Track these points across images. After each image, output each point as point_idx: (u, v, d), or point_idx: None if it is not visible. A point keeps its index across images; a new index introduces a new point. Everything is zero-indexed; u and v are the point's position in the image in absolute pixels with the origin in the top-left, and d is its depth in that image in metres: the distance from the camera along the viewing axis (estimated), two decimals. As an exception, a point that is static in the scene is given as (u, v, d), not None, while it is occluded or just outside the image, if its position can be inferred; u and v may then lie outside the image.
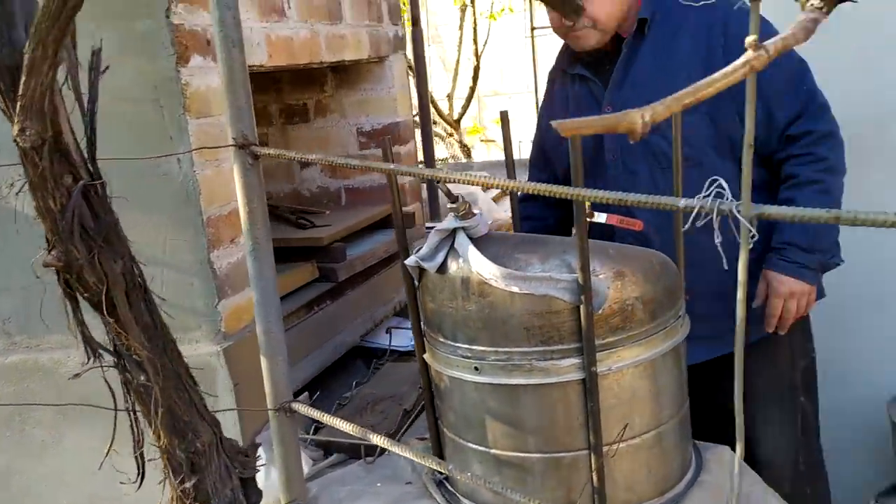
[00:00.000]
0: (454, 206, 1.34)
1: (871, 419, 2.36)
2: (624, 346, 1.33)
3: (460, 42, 7.47)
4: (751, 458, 1.99)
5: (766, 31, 1.70)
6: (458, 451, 1.47)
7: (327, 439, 1.72)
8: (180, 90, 1.52)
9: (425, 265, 1.38)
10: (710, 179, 1.01)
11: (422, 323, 1.50)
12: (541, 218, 2.06)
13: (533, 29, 6.48)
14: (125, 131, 1.54)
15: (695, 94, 0.65)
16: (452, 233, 1.37)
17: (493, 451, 1.40)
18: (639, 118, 0.63)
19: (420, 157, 3.39)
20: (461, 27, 7.33)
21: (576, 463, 1.35)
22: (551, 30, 1.89)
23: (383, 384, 1.99)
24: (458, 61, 7.58)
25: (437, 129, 7.81)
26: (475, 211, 1.38)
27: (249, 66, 1.72)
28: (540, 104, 2.24)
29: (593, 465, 1.33)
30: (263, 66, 1.79)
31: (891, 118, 2.36)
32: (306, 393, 1.87)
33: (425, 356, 1.50)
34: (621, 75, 1.85)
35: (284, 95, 2.61)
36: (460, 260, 1.35)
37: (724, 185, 0.87)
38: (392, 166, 1.32)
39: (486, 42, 7.06)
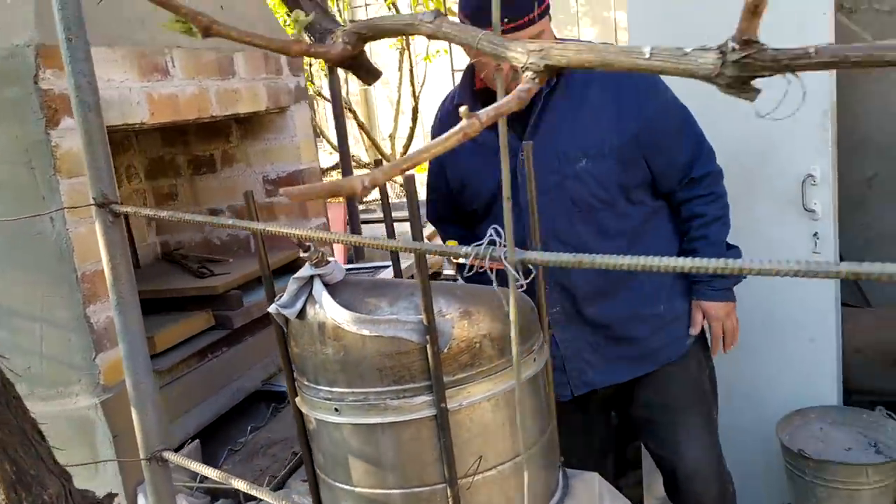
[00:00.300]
0: (307, 254, 1.41)
1: (762, 440, 2.45)
2: (474, 382, 1.40)
3: (400, 83, 7.62)
4: (673, 475, 2.12)
5: (657, 85, 1.93)
6: (328, 490, 1.52)
7: (213, 486, 1.75)
8: (50, 152, 1.57)
9: (285, 312, 1.44)
10: (491, 227, 1.10)
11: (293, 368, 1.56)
12: (463, 237, 2.13)
13: (454, 71, 6.69)
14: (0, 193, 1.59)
15: (416, 159, 0.73)
16: (310, 280, 1.44)
17: (357, 489, 1.45)
18: (359, 184, 0.71)
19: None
20: (400, 69, 7.48)
21: (434, 497, 1.40)
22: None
23: (279, 428, 2.03)
24: (398, 102, 7.73)
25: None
26: (329, 259, 1.45)
27: (131, 125, 1.78)
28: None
29: (450, 499, 1.38)
30: (146, 124, 1.84)
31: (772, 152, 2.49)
32: (197, 440, 1.90)
33: (297, 399, 1.55)
34: (535, 123, 1.90)
35: (192, 147, 2.67)
36: (317, 306, 1.41)
37: (501, 231, 0.96)
38: (259, 225, 1.38)
39: (422, 83, 7.20)
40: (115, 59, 1.76)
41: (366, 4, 9.50)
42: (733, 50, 0.62)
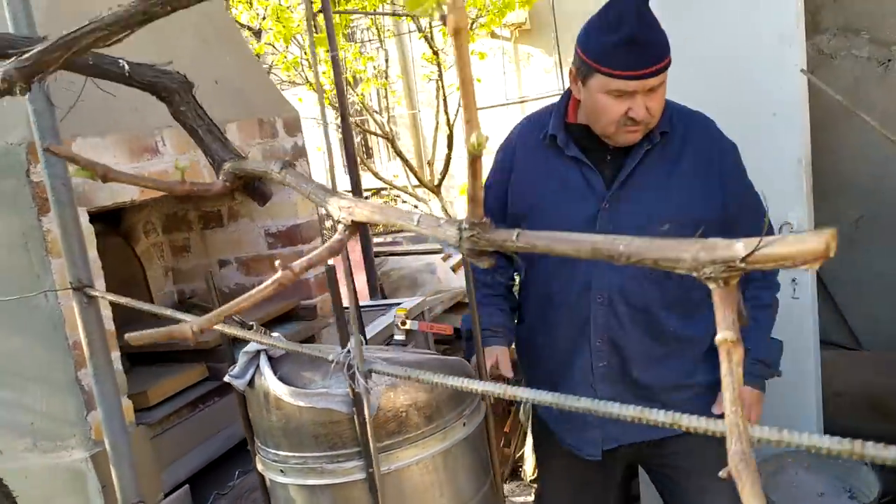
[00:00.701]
0: (250, 333, 1.57)
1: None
2: (401, 448, 1.54)
3: (437, 111, 7.81)
4: None
5: (741, 163, 1.87)
6: (283, 541, 1.67)
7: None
8: (42, 236, 1.79)
9: (235, 383, 1.61)
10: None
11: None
12: (492, 285, 2.04)
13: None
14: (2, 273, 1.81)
15: (239, 307, 0.88)
16: (257, 354, 1.60)
17: (303, 542, 1.60)
18: (189, 330, 0.86)
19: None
20: (437, 97, 7.68)
21: (368, 552, 1.54)
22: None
23: (264, 473, 2.20)
24: (436, 129, 7.92)
25: (420, 192, 8.12)
26: (273, 334, 1.61)
27: (121, 203, 1.99)
28: (498, 168, 1.99)
29: (382, 554, 1.52)
30: (136, 201, 2.05)
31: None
32: (187, 485, 2.09)
33: (256, 458, 1.72)
34: (626, 176, 1.80)
35: (201, 203, 2.89)
36: (263, 378, 1.58)
37: (362, 342, 1.11)
38: (192, 321, 1.55)
39: (457, 111, 7.37)
40: (107, 146, 1.97)
41: (409, 31, 9.76)
42: (465, 229, 0.76)
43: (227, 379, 1.64)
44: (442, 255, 5.26)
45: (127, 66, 1.13)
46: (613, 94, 1.70)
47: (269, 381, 1.55)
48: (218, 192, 1.12)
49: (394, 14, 7.56)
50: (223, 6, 2.65)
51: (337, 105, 3.76)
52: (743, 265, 0.59)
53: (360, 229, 0.90)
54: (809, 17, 2.41)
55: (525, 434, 3.70)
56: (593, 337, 1.85)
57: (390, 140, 7.50)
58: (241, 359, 1.62)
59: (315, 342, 2.78)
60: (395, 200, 8.88)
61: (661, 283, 1.82)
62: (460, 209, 8.42)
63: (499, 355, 1.91)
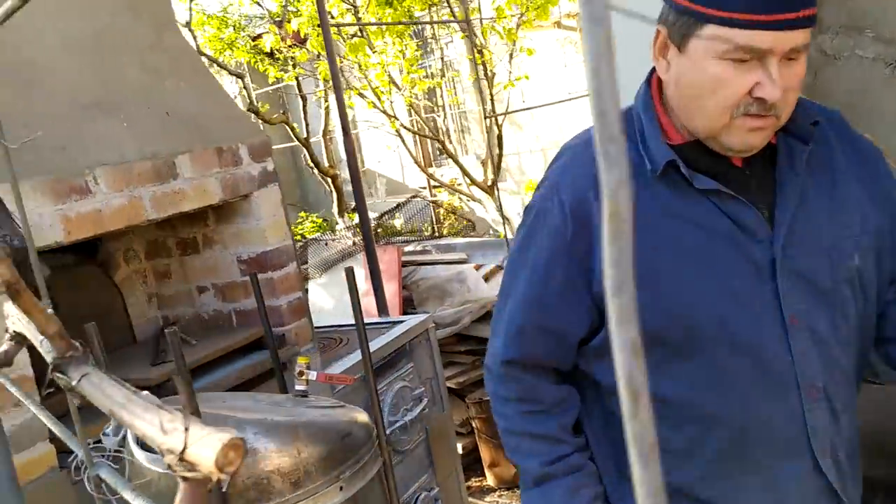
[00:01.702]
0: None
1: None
2: (264, 516, 1.46)
3: (480, 112, 7.71)
4: None
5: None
6: None
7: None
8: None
9: (108, 442, 1.56)
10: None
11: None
12: (562, 401, 1.35)
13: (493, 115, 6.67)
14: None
15: None
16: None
17: None
18: None
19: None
20: (479, 97, 7.57)
21: None
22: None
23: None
24: (489, 128, 7.79)
25: (475, 191, 8.01)
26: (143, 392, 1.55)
27: (45, 246, 1.98)
28: (550, 250, 1.27)
29: None
30: (62, 243, 2.04)
31: None
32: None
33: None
34: (793, 203, 1.20)
35: (178, 230, 2.89)
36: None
37: (89, 444, 1.02)
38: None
39: (506, 108, 7.24)
40: (25, 192, 1.97)
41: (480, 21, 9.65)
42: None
43: (103, 440, 1.60)
44: (472, 263, 5.15)
45: None
46: (733, 59, 1.08)
47: (131, 444, 1.50)
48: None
49: (400, 23, 7.46)
50: (180, 37, 2.63)
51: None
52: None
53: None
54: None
55: None
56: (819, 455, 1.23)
57: (440, 142, 7.42)
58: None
59: (284, 372, 2.73)
60: (461, 199, 8.81)
61: (854, 339, 1.26)
62: (512, 210, 8.26)
63: None
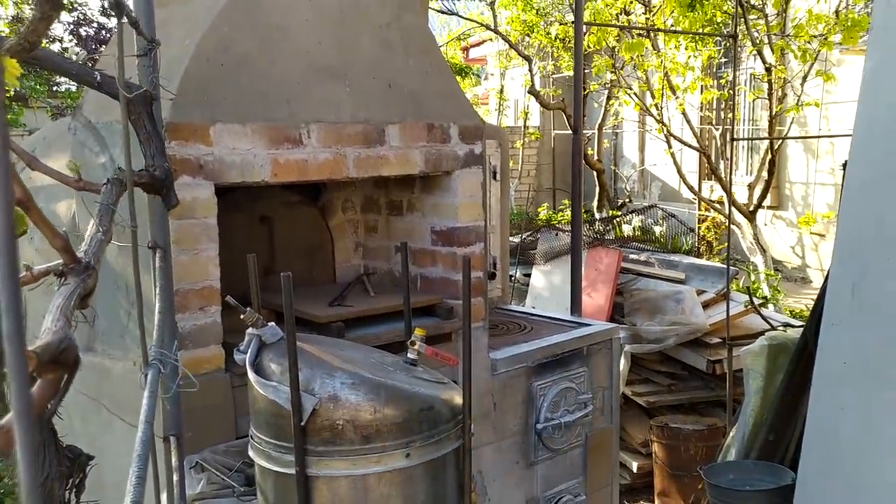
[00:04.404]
0: (244, 317, 1.75)
1: None
2: (332, 458, 1.60)
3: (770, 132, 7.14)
4: None
5: None
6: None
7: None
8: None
9: (237, 358, 1.81)
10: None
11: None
12: None
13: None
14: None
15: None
16: (255, 337, 1.78)
17: (259, 515, 1.76)
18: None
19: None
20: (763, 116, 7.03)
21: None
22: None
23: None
24: (766, 151, 7.25)
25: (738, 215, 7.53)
26: (268, 323, 1.77)
27: (253, 182, 2.31)
28: None
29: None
30: (269, 182, 2.35)
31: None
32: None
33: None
34: None
35: (390, 192, 3.14)
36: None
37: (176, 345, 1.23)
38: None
39: (786, 133, 6.68)
40: (246, 132, 2.29)
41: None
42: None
43: (235, 354, 1.85)
44: (691, 286, 4.87)
45: (99, 77, 1.37)
46: None
47: (247, 363, 1.72)
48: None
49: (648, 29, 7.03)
50: (418, 17, 2.83)
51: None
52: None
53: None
54: None
55: None
56: None
57: (707, 156, 7.06)
58: (246, 338, 1.81)
59: (446, 342, 2.88)
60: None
61: None
62: (779, 241, 7.60)
63: None
